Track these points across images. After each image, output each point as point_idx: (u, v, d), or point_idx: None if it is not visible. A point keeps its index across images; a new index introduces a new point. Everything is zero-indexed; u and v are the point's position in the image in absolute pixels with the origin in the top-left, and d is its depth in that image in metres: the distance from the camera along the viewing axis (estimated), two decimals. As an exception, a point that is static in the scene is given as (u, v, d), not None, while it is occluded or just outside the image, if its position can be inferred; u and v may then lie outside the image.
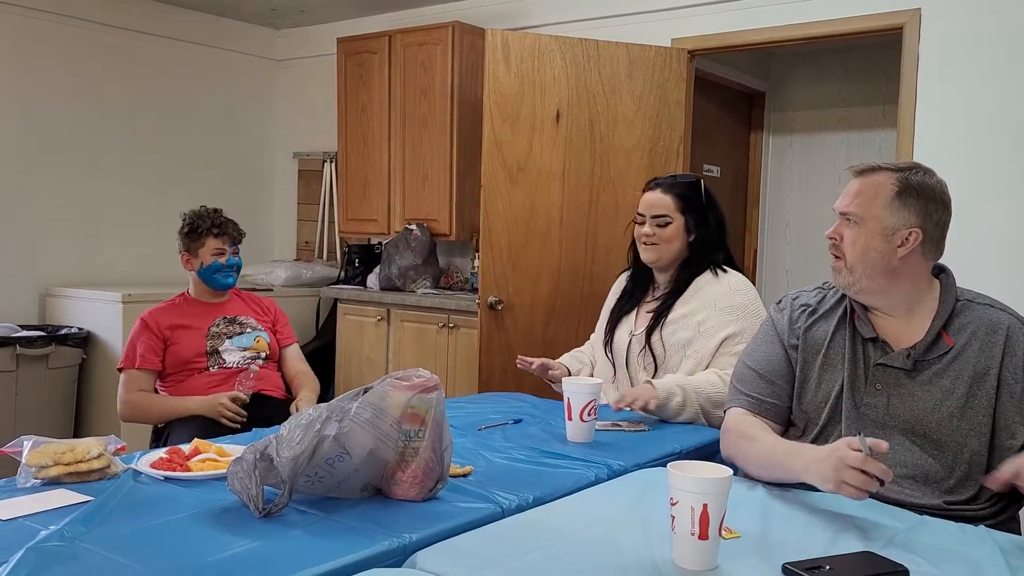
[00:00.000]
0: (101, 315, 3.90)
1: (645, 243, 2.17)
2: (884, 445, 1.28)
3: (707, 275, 2.15)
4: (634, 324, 2.20)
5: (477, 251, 3.84)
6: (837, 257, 1.54)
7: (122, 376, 2.60)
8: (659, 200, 2.16)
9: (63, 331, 3.87)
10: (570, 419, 1.81)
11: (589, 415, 1.79)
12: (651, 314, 2.17)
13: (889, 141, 4.45)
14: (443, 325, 3.75)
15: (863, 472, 1.26)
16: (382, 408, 1.38)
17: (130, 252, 4.41)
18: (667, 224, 2.15)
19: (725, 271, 2.16)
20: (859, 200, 1.49)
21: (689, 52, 3.44)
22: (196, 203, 2.92)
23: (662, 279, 2.21)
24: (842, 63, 4.64)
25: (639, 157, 3.29)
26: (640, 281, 2.26)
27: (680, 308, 2.12)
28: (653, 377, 2.10)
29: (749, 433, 1.56)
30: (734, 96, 4.71)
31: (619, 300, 2.28)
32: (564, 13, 3.86)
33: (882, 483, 1.27)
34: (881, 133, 4.56)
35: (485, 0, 4.10)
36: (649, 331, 2.12)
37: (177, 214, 2.89)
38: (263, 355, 2.75)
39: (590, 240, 3.26)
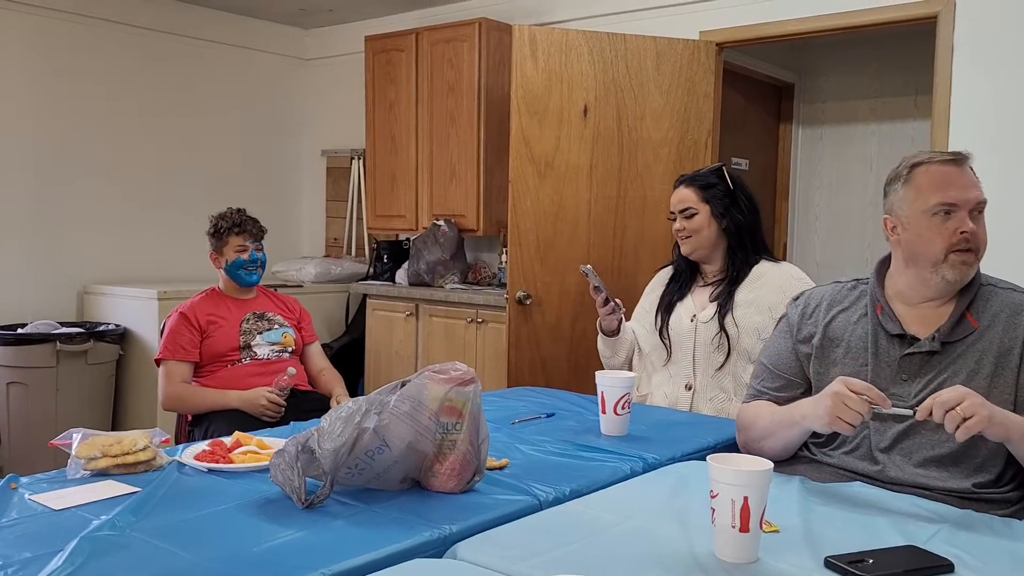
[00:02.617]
0: (137, 311, 3.97)
1: (680, 238, 2.25)
2: (887, 401, 1.35)
3: (765, 263, 2.21)
4: (693, 308, 2.23)
5: (505, 246, 3.85)
6: (970, 250, 1.47)
7: (162, 368, 2.65)
8: (683, 195, 2.25)
9: (101, 327, 3.93)
10: (604, 412, 1.81)
11: (623, 409, 1.80)
12: (713, 300, 2.21)
13: (922, 132, 4.40)
14: (471, 320, 3.76)
15: (860, 396, 1.32)
16: (420, 401, 1.39)
17: (164, 250, 4.47)
18: (693, 215, 2.23)
19: (778, 261, 2.24)
20: (978, 188, 1.48)
21: (717, 45, 3.42)
22: (226, 201, 2.98)
23: (710, 270, 2.26)
24: (873, 53, 4.59)
25: (667, 151, 3.28)
26: (686, 271, 2.31)
27: (746, 293, 2.17)
28: (726, 359, 2.13)
29: (756, 412, 1.60)
30: (763, 88, 4.68)
31: (668, 286, 2.33)
32: (591, 8, 3.85)
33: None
34: (913, 124, 4.51)
35: (512, -4, 4.11)
36: (721, 315, 2.16)
37: (208, 211, 2.94)
38: (290, 350, 2.79)
39: (618, 234, 3.26)
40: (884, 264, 1.59)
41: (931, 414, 1.28)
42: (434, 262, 4.06)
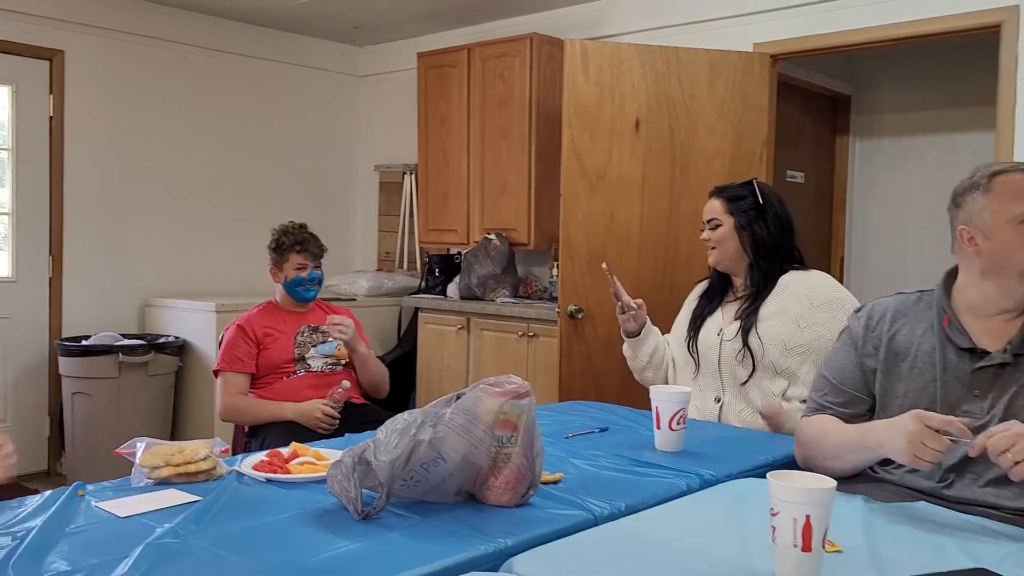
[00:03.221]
0: (196, 324, 4.06)
1: (708, 248, 2.29)
2: (967, 427, 1.31)
3: (793, 272, 2.20)
4: (721, 323, 2.24)
5: (556, 260, 3.85)
6: None
7: (219, 379, 2.70)
8: (710, 206, 2.30)
9: (161, 339, 4.03)
10: (658, 428, 1.80)
11: (678, 424, 1.78)
12: (737, 318, 2.21)
13: (984, 144, 4.28)
14: (523, 334, 3.77)
15: (941, 434, 1.27)
16: (475, 414, 1.39)
17: (221, 264, 4.57)
18: (717, 227, 2.26)
19: (795, 267, 2.22)
20: None
21: (771, 56, 3.38)
22: (282, 216, 3.03)
23: (738, 282, 2.28)
24: (931, 64, 4.49)
25: (720, 164, 3.25)
26: (719, 284, 2.33)
27: (771, 305, 2.16)
28: (751, 375, 2.14)
29: (822, 429, 1.56)
30: (818, 100, 4.61)
31: (700, 300, 2.35)
32: (643, 21, 3.84)
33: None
34: (975, 136, 4.39)
35: (563, 11, 4.12)
36: (745, 331, 2.15)
37: (265, 227, 2.99)
38: (343, 362, 2.82)
39: (671, 248, 3.23)
40: (952, 276, 1.55)
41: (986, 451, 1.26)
42: (485, 276, 4.08)
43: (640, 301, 2.36)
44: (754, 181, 2.30)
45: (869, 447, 1.44)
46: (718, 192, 2.31)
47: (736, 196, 2.27)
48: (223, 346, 2.76)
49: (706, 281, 2.38)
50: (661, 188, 3.22)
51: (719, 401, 2.21)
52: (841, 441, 1.51)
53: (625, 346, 2.42)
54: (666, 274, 3.21)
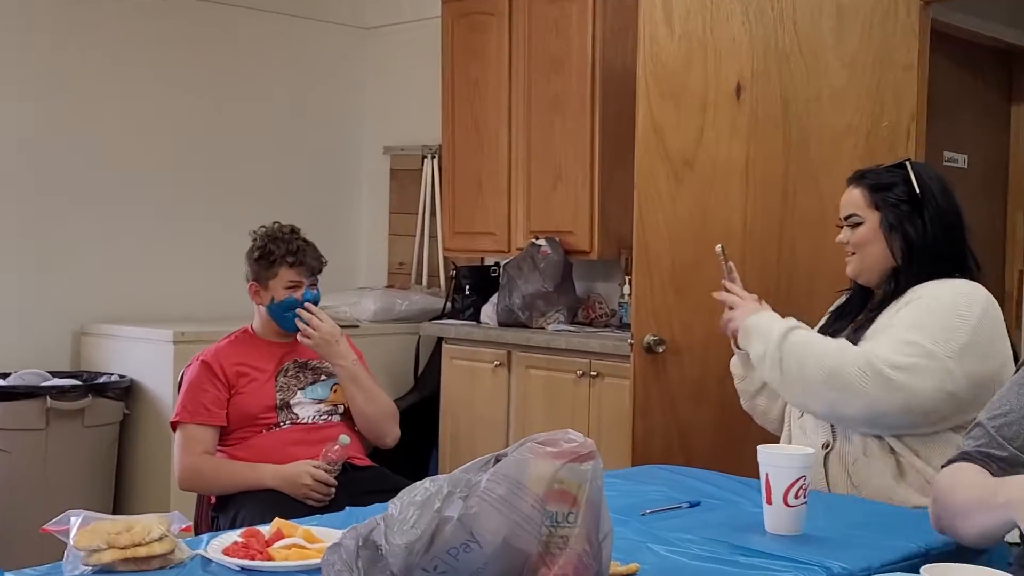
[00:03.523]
0: (148, 358, 4.13)
1: (847, 254, 2.32)
2: None
3: (935, 281, 2.21)
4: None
5: (628, 274, 3.83)
6: None
7: (178, 434, 2.74)
8: (847, 197, 2.32)
9: (102, 379, 4.11)
10: (769, 503, 1.78)
11: (797, 497, 1.76)
12: (846, 335, 2.25)
13: None
14: (582, 373, 3.76)
15: None
16: (520, 482, 1.39)
17: (181, 279, 4.66)
18: (858, 225, 2.28)
19: (956, 277, 2.21)
20: None
21: (922, -2, 3.36)
22: (263, 215, 3.07)
23: (879, 295, 2.30)
24: None
25: (852, 144, 3.21)
26: (859, 300, 2.35)
27: (883, 319, 2.21)
28: None
29: (955, 481, 1.59)
30: (987, 56, 4.55)
31: (828, 318, 2.39)
32: (744, -49, 3.84)
33: None
34: None
35: (637, -61, 4.14)
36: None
37: (238, 230, 3.04)
38: (341, 409, 2.84)
39: (784, 257, 3.20)
40: None
41: None
42: (532, 295, 4.08)
43: (756, 298, 2.40)
44: (907, 163, 2.30)
45: (997, 505, 1.44)
46: (859, 179, 2.32)
47: (883, 184, 2.27)
48: (184, 389, 2.80)
49: (845, 295, 2.40)
50: (771, 177, 3.20)
51: (828, 447, 2.23)
52: (970, 498, 1.53)
53: (734, 360, 2.45)
54: (779, 291, 3.17)
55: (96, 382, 4.06)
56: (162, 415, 3.97)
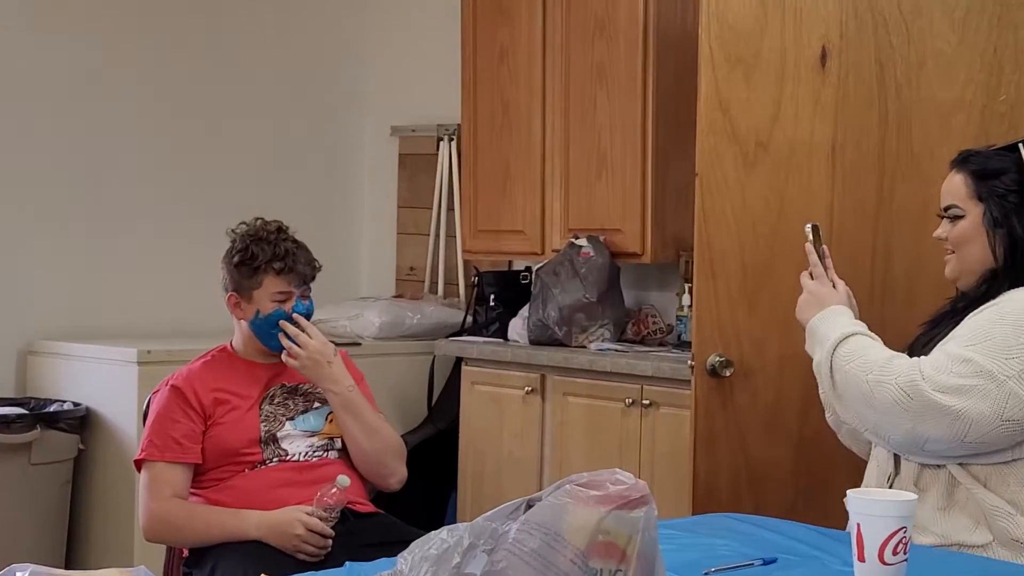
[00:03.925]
0: (107, 382, 4.15)
1: (945, 252, 2.37)
2: None
3: (1022, 288, 2.22)
4: None
5: (688, 280, 3.82)
6: None
7: (144, 473, 2.75)
8: (948, 184, 2.37)
9: (52, 407, 4.13)
10: (862, 559, 1.76)
11: (895, 554, 1.74)
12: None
13: None
14: (632, 402, 3.76)
15: None
16: (558, 532, 1.39)
17: (148, 288, 4.68)
18: (957, 218, 2.32)
19: None
20: None
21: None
22: (243, 211, 3.06)
23: (968, 299, 2.35)
24: None
25: (964, 120, 3.19)
26: (961, 304, 2.36)
27: (961, 327, 2.24)
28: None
29: None
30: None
31: (924, 326, 2.42)
32: None
33: None
34: None
35: None
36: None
37: (214, 230, 3.04)
38: (339, 443, 2.84)
39: (879, 257, 3.18)
40: None
41: None
42: (571, 307, 4.07)
43: (844, 291, 2.45)
44: (1020, 145, 2.28)
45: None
46: (963, 162, 2.33)
47: (990, 170, 2.27)
48: (150, 420, 2.81)
49: (949, 301, 2.41)
50: (865, 161, 3.18)
51: (890, 480, 2.28)
52: None
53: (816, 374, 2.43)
54: (874, 300, 3.14)
55: (45, 411, 4.09)
56: (124, 451, 3.99)
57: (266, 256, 2.81)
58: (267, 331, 2.82)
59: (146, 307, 4.66)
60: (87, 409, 4.16)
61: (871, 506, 1.77)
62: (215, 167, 4.87)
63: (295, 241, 2.88)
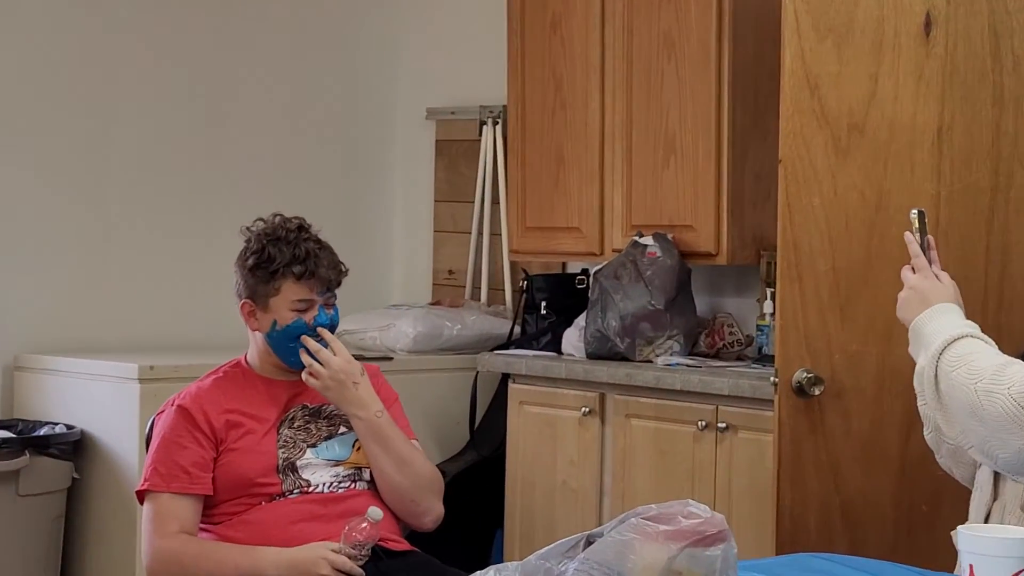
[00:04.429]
0: (105, 402, 4.19)
1: None
2: None
3: None
4: None
5: (771, 284, 3.82)
6: None
7: (147, 507, 2.77)
8: None
9: (42, 430, 4.16)
10: (975, 606, 1.76)
11: (1012, 599, 1.74)
12: None
13: None
14: (706, 425, 3.76)
15: None
16: (621, 573, 1.39)
17: (151, 296, 4.72)
18: None
19: None
20: None
21: None
22: (259, 210, 3.06)
23: None
24: None
25: (1092, 98, 3.17)
26: None
27: None
28: None
29: None
30: None
31: None
32: None
33: None
34: None
35: None
36: None
37: (228, 229, 3.05)
38: (368, 473, 2.84)
39: (994, 257, 3.16)
40: None
41: None
42: (636, 315, 4.07)
43: (949, 284, 2.46)
44: None
45: None
46: None
47: None
48: (154, 445, 2.83)
49: None
50: (975, 146, 3.16)
51: (987, 507, 2.28)
52: None
53: (916, 369, 2.43)
54: (987, 306, 3.13)
55: (35, 434, 4.13)
56: (124, 480, 4.03)
57: (285, 258, 2.81)
58: (285, 344, 2.83)
59: (149, 316, 4.70)
60: (82, 433, 4.20)
61: (987, 544, 1.76)
62: (226, 157, 4.92)
63: (318, 241, 2.88)
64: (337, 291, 2.91)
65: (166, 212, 4.77)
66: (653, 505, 1.42)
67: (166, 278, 4.74)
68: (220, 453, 2.80)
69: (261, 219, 2.92)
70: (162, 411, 2.88)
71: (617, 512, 3.73)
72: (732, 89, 3.97)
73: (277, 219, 2.91)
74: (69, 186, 4.60)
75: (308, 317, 2.82)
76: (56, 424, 4.22)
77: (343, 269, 2.90)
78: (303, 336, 2.79)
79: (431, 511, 2.92)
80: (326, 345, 2.81)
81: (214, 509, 2.81)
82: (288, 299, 2.81)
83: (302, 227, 2.89)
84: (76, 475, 4.19)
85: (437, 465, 4.23)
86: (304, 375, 2.80)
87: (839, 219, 3.17)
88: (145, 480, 2.79)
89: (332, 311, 2.88)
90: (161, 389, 3.87)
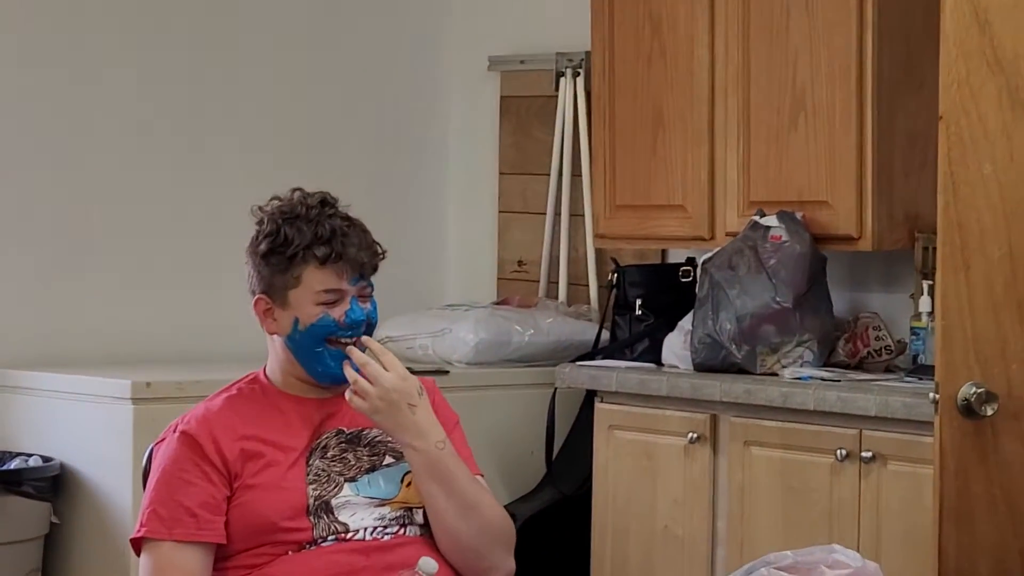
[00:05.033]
0: (90, 428, 4.23)
1: None
2: None
3: None
4: None
5: (928, 276, 3.83)
6: None
7: (146, 558, 2.77)
8: None
9: (14, 463, 4.21)
10: None
11: None
12: None
13: None
14: (846, 455, 3.74)
15: None
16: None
17: (147, 299, 4.76)
18: None
19: None
20: None
21: None
22: (276, 183, 3.07)
23: None
24: None
25: None
26: None
27: None
28: None
29: None
30: None
31: None
32: None
33: None
34: None
35: None
36: None
37: (240, 214, 3.04)
38: (421, 515, 2.83)
39: None
40: None
41: None
42: (757, 315, 4.07)
43: None
44: None
45: None
46: None
47: None
48: (153, 482, 2.83)
49: None
50: None
51: None
52: None
53: None
54: None
55: (4, 468, 4.17)
56: (116, 526, 4.07)
57: (305, 239, 2.76)
58: (310, 350, 2.79)
59: (145, 321, 4.75)
60: (62, 466, 4.24)
61: None
62: (235, 126, 4.97)
63: (346, 218, 2.84)
64: (373, 281, 2.88)
65: (165, 192, 4.83)
66: (788, 552, 1.42)
67: (166, 274, 4.79)
68: (235, 491, 2.78)
69: (277, 197, 2.90)
70: (162, 439, 2.88)
71: (734, 566, 3.73)
72: (878, 30, 3.95)
73: (296, 194, 2.89)
74: (49, 165, 4.67)
75: (337, 313, 2.78)
76: (30, 456, 4.27)
77: (379, 251, 2.85)
78: (350, 346, 2.76)
79: (500, 567, 2.89)
80: (376, 358, 2.78)
81: (228, 561, 2.80)
82: (311, 290, 2.77)
83: (326, 201, 2.84)
84: (55, 519, 4.23)
85: (505, 506, 4.25)
86: (348, 394, 2.76)
87: (1017, 192, 3.14)
88: (142, 526, 2.78)
89: (368, 304, 2.84)
90: (160, 411, 3.91)
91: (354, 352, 2.73)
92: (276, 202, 2.86)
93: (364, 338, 2.76)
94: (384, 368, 2.73)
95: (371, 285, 2.84)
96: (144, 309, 4.74)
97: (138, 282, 4.75)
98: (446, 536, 2.79)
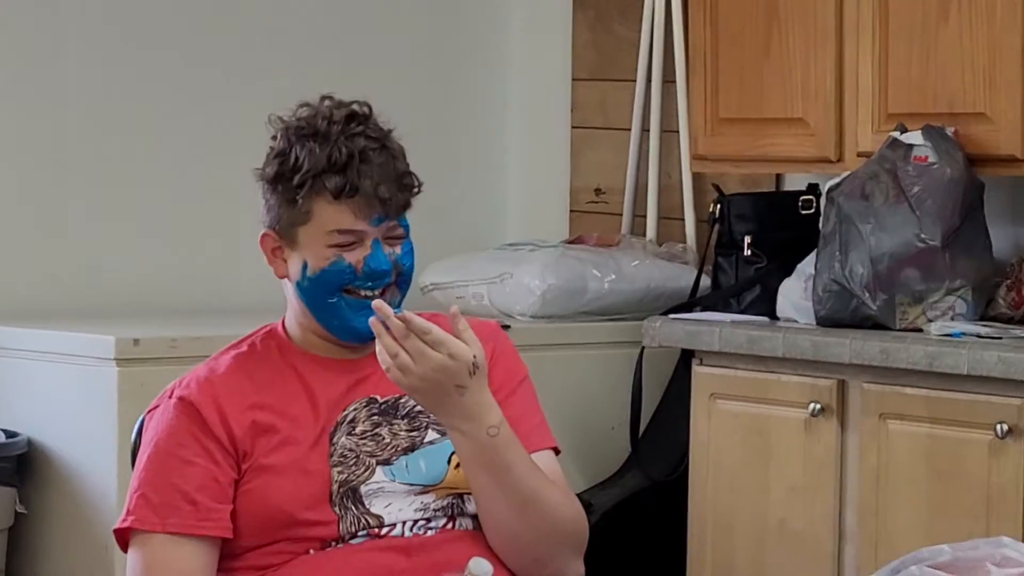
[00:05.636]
0: (65, 396, 4.27)
1: None
2: None
3: None
4: None
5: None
6: None
7: (134, 554, 2.78)
8: None
9: (-28, 438, 4.27)
10: None
11: None
12: None
13: None
14: (1008, 430, 3.73)
15: None
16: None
17: (136, 238, 4.83)
18: None
19: None
20: None
21: None
22: (282, 99, 3.06)
23: None
24: None
25: None
26: None
27: None
28: None
29: None
30: None
31: None
32: None
33: None
34: None
35: None
36: None
37: (254, 134, 3.02)
38: (472, 504, 2.81)
39: None
40: None
41: None
42: (897, 256, 4.06)
43: None
44: None
45: None
46: None
47: None
48: (143, 461, 2.84)
49: None
50: None
51: None
52: None
53: None
54: None
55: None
56: (96, 515, 4.11)
57: (316, 164, 2.68)
58: (323, 300, 2.73)
59: (132, 265, 4.82)
60: (30, 443, 4.28)
61: None
62: (247, 29, 5.04)
63: (375, 138, 2.77)
64: (408, 219, 2.83)
65: (158, 110, 4.89)
66: (945, 546, 1.41)
67: (159, 208, 4.86)
68: (244, 473, 2.78)
69: (306, 103, 2.87)
70: (155, 406, 2.87)
71: (868, 567, 3.72)
72: None
73: (325, 103, 2.85)
74: (30, 121, 4.75)
75: (354, 258, 2.71)
76: (-5, 429, 4.32)
77: (413, 183, 2.78)
78: (375, 302, 2.66)
79: (564, 572, 2.89)
80: (405, 326, 2.68)
81: (236, 560, 2.80)
82: (322, 228, 2.70)
83: (354, 115, 2.79)
84: (21, 507, 4.28)
85: (580, 494, 4.26)
86: (382, 357, 2.67)
87: None
88: (128, 514, 2.78)
89: (399, 249, 2.77)
90: (150, 375, 3.95)
91: (382, 307, 2.61)
92: (304, 110, 2.79)
93: (405, 313, 2.61)
94: (423, 342, 2.60)
95: (404, 225, 2.75)
96: (132, 248, 4.79)
97: (122, 215, 4.81)
98: (499, 536, 2.75)
